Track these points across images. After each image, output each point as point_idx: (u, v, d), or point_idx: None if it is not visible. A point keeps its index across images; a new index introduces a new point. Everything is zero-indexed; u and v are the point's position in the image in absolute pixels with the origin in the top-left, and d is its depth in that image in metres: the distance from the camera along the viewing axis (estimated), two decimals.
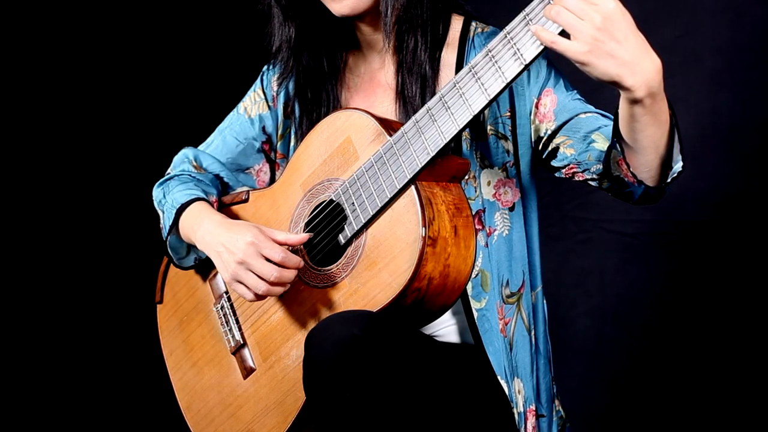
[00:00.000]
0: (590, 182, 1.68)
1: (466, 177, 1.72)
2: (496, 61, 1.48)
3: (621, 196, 1.62)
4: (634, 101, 1.39)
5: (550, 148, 1.72)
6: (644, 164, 1.50)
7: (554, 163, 1.72)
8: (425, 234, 1.53)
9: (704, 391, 2.62)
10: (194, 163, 1.97)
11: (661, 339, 2.70)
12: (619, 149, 1.51)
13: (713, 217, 2.60)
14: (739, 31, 2.53)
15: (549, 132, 1.71)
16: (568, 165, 1.70)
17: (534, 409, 1.74)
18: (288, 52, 1.85)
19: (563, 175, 1.73)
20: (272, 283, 1.65)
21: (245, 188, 1.97)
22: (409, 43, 1.75)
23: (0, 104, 2.98)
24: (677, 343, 2.67)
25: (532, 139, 1.74)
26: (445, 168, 1.62)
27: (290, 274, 1.66)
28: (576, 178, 1.71)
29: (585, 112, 1.68)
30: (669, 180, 1.53)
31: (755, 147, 2.53)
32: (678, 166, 1.50)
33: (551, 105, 1.71)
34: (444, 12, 1.79)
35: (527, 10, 1.43)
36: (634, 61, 1.35)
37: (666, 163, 1.50)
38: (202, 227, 1.77)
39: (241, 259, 1.66)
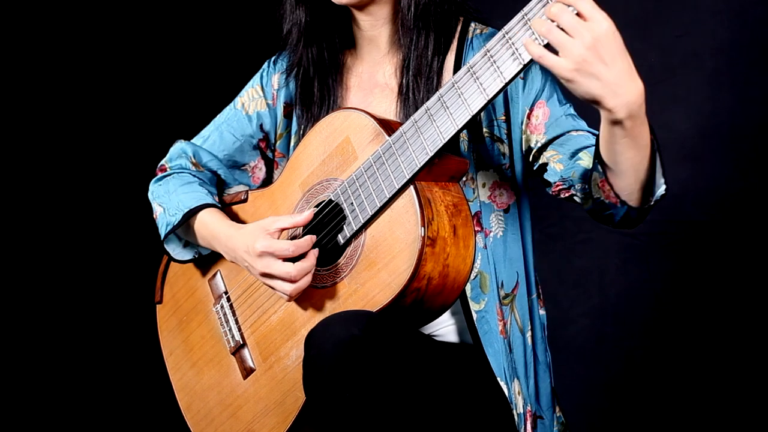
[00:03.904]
0: (575, 198, 1.65)
1: (465, 179, 1.71)
2: (494, 61, 1.48)
3: (601, 219, 1.60)
4: (615, 122, 1.40)
5: (540, 162, 1.70)
6: (625, 188, 1.49)
7: (546, 176, 1.70)
8: (424, 234, 1.53)
9: (704, 391, 2.61)
10: (193, 160, 1.96)
11: (661, 339, 2.70)
12: (600, 171, 1.50)
13: (713, 217, 2.60)
14: (739, 31, 2.52)
15: (539, 144, 1.70)
16: (556, 182, 1.67)
17: (532, 410, 1.73)
18: (298, 36, 1.84)
19: (551, 192, 1.70)
20: (295, 279, 1.65)
21: (244, 188, 1.97)
22: (419, 43, 1.74)
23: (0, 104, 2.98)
24: (677, 343, 2.67)
25: (523, 148, 1.74)
26: (444, 168, 1.62)
27: (307, 264, 1.65)
28: (562, 195, 1.68)
29: (576, 130, 1.67)
30: (652, 203, 1.51)
31: (755, 147, 2.52)
32: (661, 190, 1.49)
33: (543, 118, 1.70)
34: (455, 14, 1.78)
35: (525, 9, 1.42)
36: (617, 84, 1.35)
37: (647, 187, 1.49)
38: (220, 241, 1.79)
39: (261, 271, 1.68)
